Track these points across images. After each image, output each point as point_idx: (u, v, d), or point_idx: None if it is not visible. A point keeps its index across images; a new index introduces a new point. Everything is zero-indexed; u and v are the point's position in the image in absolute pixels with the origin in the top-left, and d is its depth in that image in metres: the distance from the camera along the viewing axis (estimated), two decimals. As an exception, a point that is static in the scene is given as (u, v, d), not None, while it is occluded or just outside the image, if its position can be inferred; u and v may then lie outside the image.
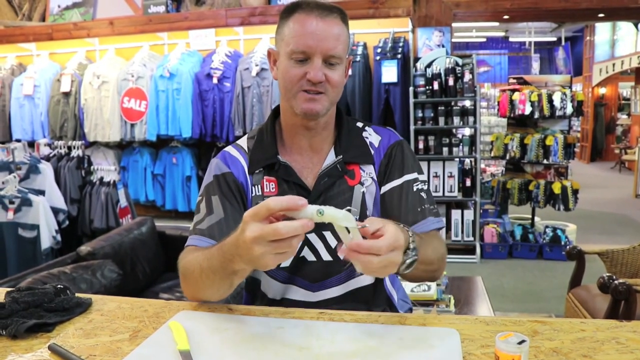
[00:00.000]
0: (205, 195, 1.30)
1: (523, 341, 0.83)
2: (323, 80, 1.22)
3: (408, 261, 1.03)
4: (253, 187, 1.31)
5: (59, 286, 1.21)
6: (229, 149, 1.38)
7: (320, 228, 1.28)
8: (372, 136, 1.39)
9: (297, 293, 1.31)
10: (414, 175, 1.34)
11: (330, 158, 1.33)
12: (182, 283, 1.20)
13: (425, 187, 1.34)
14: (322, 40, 1.20)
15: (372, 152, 1.36)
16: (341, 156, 1.32)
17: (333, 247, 1.29)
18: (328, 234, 1.29)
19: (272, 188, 1.30)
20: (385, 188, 1.33)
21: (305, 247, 1.29)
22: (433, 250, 1.18)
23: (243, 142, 1.39)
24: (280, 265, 1.29)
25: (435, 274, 1.24)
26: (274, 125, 1.38)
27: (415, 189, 1.32)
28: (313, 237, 1.29)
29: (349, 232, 0.94)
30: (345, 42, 1.25)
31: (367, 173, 1.33)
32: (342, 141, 1.35)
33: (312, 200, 1.27)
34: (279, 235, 0.89)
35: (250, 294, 1.41)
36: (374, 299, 1.35)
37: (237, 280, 1.09)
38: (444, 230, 1.35)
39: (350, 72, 1.38)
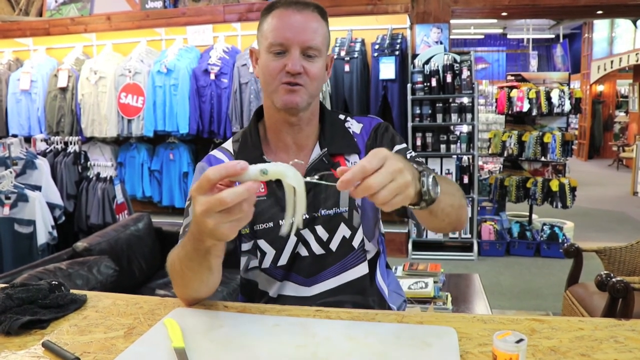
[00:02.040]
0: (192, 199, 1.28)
1: (521, 340, 0.83)
2: (301, 71, 1.22)
3: (429, 180, 0.98)
4: None
5: (53, 282, 1.20)
6: (215, 152, 1.39)
7: (311, 223, 1.28)
8: (354, 125, 1.40)
9: (292, 289, 1.31)
10: (403, 145, 1.35)
11: (316, 152, 1.33)
12: (173, 285, 1.17)
13: (414, 156, 1.32)
14: (299, 32, 1.21)
15: (356, 139, 1.36)
16: (326, 149, 1.33)
17: (325, 240, 1.29)
18: (319, 228, 1.29)
19: (262, 188, 1.29)
20: None
21: (300, 244, 1.29)
22: (446, 181, 1.13)
23: (228, 144, 1.39)
24: (277, 264, 1.30)
25: (462, 212, 1.17)
26: (257, 127, 1.38)
27: (407, 156, 1.29)
28: (306, 233, 1.28)
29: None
30: (323, 36, 1.26)
31: (352, 162, 1.33)
32: (326, 134, 1.35)
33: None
34: (225, 203, 0.86)
35: (247, 296, 1.39)
36: (368, 289, 1.34)
37: (214, 260, 1.05)
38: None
39: (330, 71, 1.38)
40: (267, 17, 1.26)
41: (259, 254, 1.31)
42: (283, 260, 1.29)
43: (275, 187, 1.29)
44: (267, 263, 1.31)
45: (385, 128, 1.39)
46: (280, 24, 1.22)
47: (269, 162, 1.29)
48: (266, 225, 1.29)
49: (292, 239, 1.28)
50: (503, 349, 0.82)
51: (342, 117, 1.42)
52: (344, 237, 1.30)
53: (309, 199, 1.25)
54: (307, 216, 1.28)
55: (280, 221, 1.27)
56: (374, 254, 1.36)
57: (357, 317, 1.09)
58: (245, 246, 1.32)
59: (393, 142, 1.36)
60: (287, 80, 1.22)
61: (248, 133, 1.37)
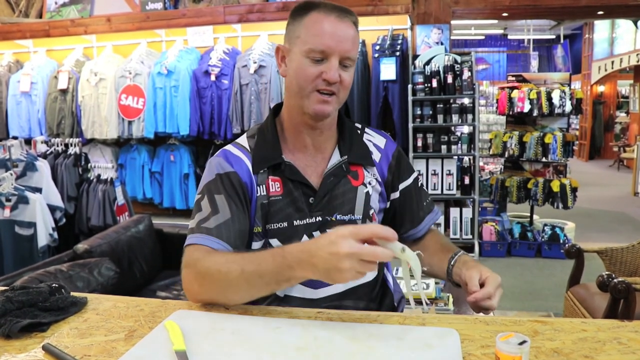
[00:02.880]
0: (208, 194, 1.27)
1: (524, 342, 0.82)
2: (338, 80, 1.23)
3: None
4: (258, 187, 1.29)
5: (53, 285, 1.20)
6: (230, 147, 1.36)
7: (324, 226, 1.29)
8: (375, 138, 1.43)
9: (299, 290, 1.30)
10: (416, 173, 1.46)
11: (336, 158, 1.34)
12: (200, 284, 1.15)
13: (422, 182, 1.48)
14: (341, 41, 1.21)
15: (379, 153, 1.40)
16: (346, 156, 1.33)
17: None
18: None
19: (278, 188, 1.29)
20: (401, 186, 1.41)
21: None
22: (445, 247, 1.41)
23: (243, 141, 1.37)
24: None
25: None
26: (274, 124, 1.36)
27: (419, 184, 1.45)
28: (317, 235, 1.28)
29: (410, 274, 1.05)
30: (358, 46, 1.29)
31: (372, 174, 1.36)
32: (346, 142, 1.36)
33: (318, 199, 1.29)
34: (375, 257, 0.97)
35: None
36: (375, 294, 1.35)
37: (281, 288, 1.13)
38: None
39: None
40: (303, 19, 1.24)
41: None
42: None
43: (291, 188, 1.29)
44: None
45: (402, 153, 1.46)
46: (322, 30, 1.21)
47: (288, 162, 1.30)
48: (280, 225, 1.28)
49: (303, 239, 1.28)
50: (506, 350, 0.82)
51: (358, 126, 1.44)
52: None
53: (324, 203, 1.30)
54: (321, 218, 1.29)
55: (294, 222, 1.28)
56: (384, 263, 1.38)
57: (358, 319, 1.08)
58: (257, 245, 1.31)
59: (409, 170, 1.45)
60: (323, 88, 1.23)
61: (265, 130, 1.36)
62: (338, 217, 1.30)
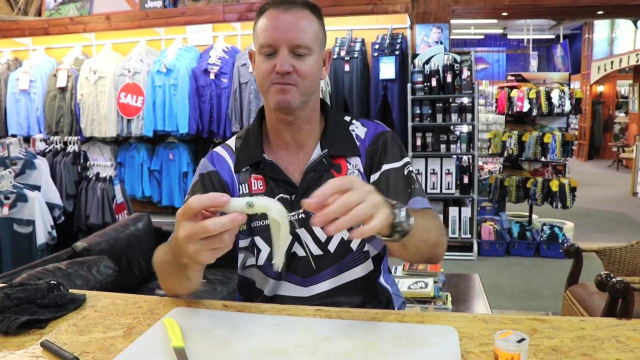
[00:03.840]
0: (191, 194, 1.29)
1: (522, 339, 0.82)
2: (291, 70, 1.22)
3: (402, 213, 0.99)
4: (240, 186, 1.32)
5: (52, 282, 1.20)
6: (218, 148, 1.40)
7: (308, 223, 1.28)
8: (358, 129, 1.38)
9: (289, 289, 1.30)
10: (401, 162, 1.33)
11: (316, 152, 1.33)
12: (159, 281, 1.21)
13: (413, 173, 1.34)
14: (286, 31, 1.21)
15: (359, 142, 1.35)
16: (326, 150, 1.32)
17: (323, 240, 1.29)
18: (317, 229, 1.28)
19: (260, 186, 1.31)
20: (374, 177, 1.32)
21: (295, 243, 1.29)
22: (424, 218, 1.13)
23: (231, 141, 1.40)
24: (272, 262, 1.29)
25: (437, 249, 1.19)
26: (260, 125, 1.38)
27: (405, 172, 1.32)
28: (302, 233, 1.28)
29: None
30: (314, 34, 1.25)
31: (354, 165, 1.33)
32: (328, 135, 1.35)
33: (299, 195, 1.27)
34: (208, 232, 0.90)
35: (244, 294, 1.40)
36: (366, 291, 1.34)
37: (193, 273, 1.09)
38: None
39: (328, 67, 1.38)
40: (259, 19, 1.27)
41: (255, 251, 1.31)
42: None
43: (273, 186, 1.29)
44: (262, 260, 1.31)
45: (391, 137, 1.37)
46: (269, 24, 1.23)
47: (269, 160, 1.31)
48: (263, 223, 1.29)
49: (276, 261, 1.27)
50: (505, 348, 0.82)
51: (347, 118, 1.41)
52: (342, 238, 1.29)
53: (308, 197, 1.25)
54: (304, 215, 1.28)
55: None
56: (376, 254, 1.35)
57: (357, 316, 1.08)
58: (243, 243, 1.32)
59: (394, 153, 1.34)
60: (278, 81, 1.23)
61: (251, 131, 1.38)
62: None
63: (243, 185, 1.31)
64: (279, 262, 0.98)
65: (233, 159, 1.35)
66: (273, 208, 0.93)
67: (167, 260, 1.09)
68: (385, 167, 1.32)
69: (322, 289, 1.30)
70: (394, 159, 1.33)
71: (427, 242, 1.13)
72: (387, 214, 0.94)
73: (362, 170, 1.33)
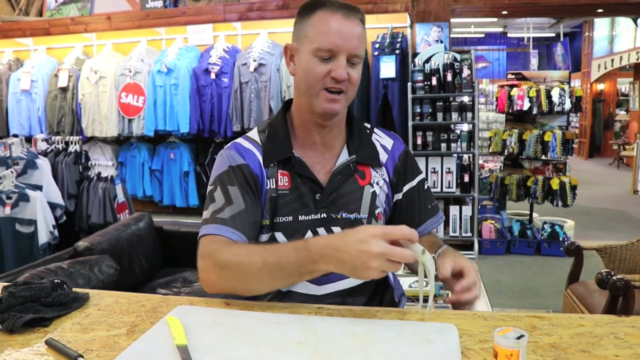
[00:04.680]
0: (221, 185, 1.28)
1: (522, 336, 0.83)
2: (347, 78, 1.24)
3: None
4: (268, 180, 1.31)
5: (56, 281, 1.21)
6: (241, 140, 1.37)
7: (329, 223, 1.30)
8: (383, 139, 1.43)
9: (302, 286, 1.30)
10: (422, 175, 1.45)
11: (344, 156, 1.35)
12: (218, 275, 1.15)
13: (428, 185, 1.46)
14: (348, 39, 1.22)
15: (386, 155, 1.40)
16: (354, 156, 1.35)
17: None
18: (337, 230, 1.30)
19: (286, 182, 1.30)
20: (405, 188, 1.40)
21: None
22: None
23: (254, 135, 1.38)
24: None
25: None
26: (285, 119, 1.38)
27: (425, 187, 1.43)
28: (322, 232, 1.30)
29: (425, 276, 1.08)
30: (365, 43, 1.29)
31: (380, 175, 1.37)
32: (354, 141, 1.37)
33: (324, 196, 1.30)
34: (401, 259, 1.01)
35: None
36: (377, 292, 1.36)
37: (303, 280, 1.16)
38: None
39: None
40: (310, 18, 1.25)
41: None
42: None
43: (299, 183, 1.30)
44: None
45: (409, 155, 1.45)
46: (329, 29, 1.22)
47: (298, 157, 1.31)
48: (286, 219, 1.29)
49: (308, 235, 1.29)
50: (504, 345, 0.83)
51: (367, 126, 1.45)
52: None
53: (330, 200, 1.31)
54: (325, 215, 1.30)
55: (300, 217, 1.29)
56: None
57: (358, 314, 1.09)
58: (264, 237, 1.32)
59: (416, 171, 1.44)
60: (331, 86, 1.24)
61: (276, 125, 1.37)
62: (343, 215, 1.31)
63: (270, 180, 1.30)
64: (430, 306, 1.08)
65: (260, 152, 1.33)
66: (431, 263, 1.07)
67: (281, 262, 1.09)
68: (409, 185, 1.42)
69: (335, 289, 1.31)
70: (414, 176, 1.43)
71: None
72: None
73: (387, 180, 1.39)
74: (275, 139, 1.34)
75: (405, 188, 1.40)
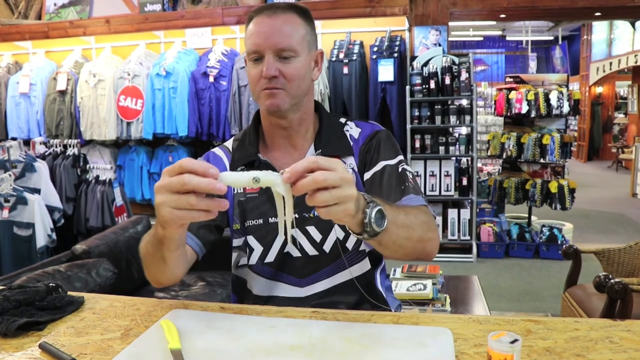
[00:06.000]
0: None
1: (515, 340, 0.83)
2: (277, 74, 1.24)
3: (374, 212, 0.98)
4: None
5: (50, 284, 1.20)
6: (215, 149, 1.44)
7: (302, 223, 1.29)
8: (352, 129, 1.40)
9: (284, 290, 1.31)
10: (395, 159, 1.33)
11: (310, 153, 1.35)
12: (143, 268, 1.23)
13: (408, 171, 1.32)
14: (268, 36, 1.24)
15: (353, 143, 1.37)
16: (320, 150, 1.33)
17: (318, 241, 1.30)
18: (312, 229, 1.30)
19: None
20: (367, 175, 1.33)
21: (289, 243, 1.29)
22: (408, 214, 1.13)
23: (229, 143, 1.44)
24: (265, 261, 1.31)
25: (425, 244, 1.16)
26: (257, 127, 1.41)
27: (399, 169, 1.31)
28: (296, 233, 1.29)
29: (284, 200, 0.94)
30: (300, 36, 1.27)
31: (348, 164, 1.34)
32: (323, 137, 1.36)
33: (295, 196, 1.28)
34: (183, 183, 0.88)
35: (237, 294, 1.41)
36: (362, 290, 1.34)
37: (168, 253, 1.08)
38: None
39: (321, 67, 1.39)
40: (247, 28, 1.29)
41: (247, 250, 1.33)
42: (270, 257, 1.31)
43: None
44: (254, 260, 1.32)
45: (385, 136, 1.38)
46: (254, 30, 1.26)
47: (264, 160, 1.33)
48: (256, 222, 1.31)
49: (280, 237, 1.28)
50: (498, 349, 0.82)
51: (342, 120, 1.43)
52: (337, 239, 1.30)
53: (300, 199, 1.26)
54: (298, 216, 1.29)
55: (270, 219, 1.30)
56: (374, 255, 1.36)
57: (353, 318, 1.09)
58: (236, 242, 1.34)
59: (389, 151, 1.34)
60: (266, 86, 1.25)
61: (247, 132, 1.41)
62: (316, 213, 1.29)
63: None
64: (287, 235, 0.97)
65: (229, 158, 1.38)
66: (278, 183, 0.92)
67: (149, 241, 1.12)
68: (379, 164, 1.32)
69: (319, 289, 1.31)
70: (389, 156, 1.33)
71: (410, 239, 1.12)
72: (351, 210, 0.93)
73: (355, 169, 1.34)
74: (244, 145, 1.38)
75: (369, 173, 1.32)
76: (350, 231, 1.02)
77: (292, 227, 0.97)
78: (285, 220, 0.97)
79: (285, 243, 1.30)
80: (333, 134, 1.37)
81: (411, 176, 1.32)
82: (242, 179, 0.91)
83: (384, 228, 1.00)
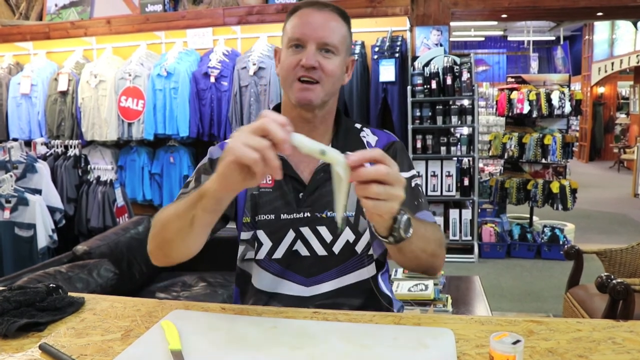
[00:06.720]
0: (196, 174, 1.33)
1: (518, 341, 0.82)
2: (316, 65, 1.23)
3: (404, 219, 1.02)
4: None
5: (51, 285, 1.20)
6: (229, 140, 1.39)
7: (313, 223, 1.29)
8: (369, 136, 1.41)
9: (289, 288, 1.31)
10: (409, 174, 1.36)
11: None
12: (150, 235, 1.19)
13: (420, 186, 1.36)
14: (316, 28, 1.24)
15: None
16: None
17: (328, 242, 1.30)
18: (323, 229, 1.29)
19: (269, 180, 1.31)
20: None
21: (299, 241, 1.29)
22: (427, 228, 1.17)
23: None
24: (272, 257, 1.30)
25: (435, 260, 1.20)
26: None
27: (412, 184, 1.34)
28: (307, 232, 1.29)
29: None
30: (342, 36, 1.28)
31: None
32: (340, 139, 1.36)
33: (307, 194, 1.29)
34: (262, 127, 0.90)
35: (240, 287, 1.40)
36: (367, 294, 1.34)
37: (200, 213, 1.04)
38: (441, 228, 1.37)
39: (351, 74, 1.39)
40: (290, 18, 1.29)
41: (256, 244, 1.32)
42: (279, 254, 1.30)
43: (282, 181, 1.30)
44: (262, 255, 1.31)
45: (401, 148, 1.41)
46: (300, 21, 1.26)
47: (281, 156, 1.29)
48: (267, 217, 1.30)
49: (290, 234, 1.29)
50: (500, 350, 0.82)
51: (358, 125, 1.43)
52: (347, 241, 1.30)
53: (313, 198, 1.29)
54: (309, 215, 1.29)
55: (282, 215, 1.30)
56: (381, 259, 1.37)
57: (354, 319, 1.08)
58: (245, 235, 1.33)
59: (403, 165, 1.35)
60: (302, 74, 1.24)
61: None
62: (328, 214, 1.29)
63: None
64: (339, 217, 0.96)
65: None
66: (341, 162, 0.92)
67: (184, 204, 1.07)
68: (404, 174, 1.32)
69: (324, 290, 1.30)
70: (403, 169, 1.34)
71: (425, 252, 1.15)
72: (395, 209, 0.95)
73: None
74: None
75: None
76: (375, 232, 1.05)
77: (344, 211, 0.97)
78: (340, 201, 0.96)
79: (295, 241, 1.29)
80: (350, 138, 1.38)
81: (422, 192, 1.35)
82: (311, 145, 0.93)
83: (409, 236, 1.04)
